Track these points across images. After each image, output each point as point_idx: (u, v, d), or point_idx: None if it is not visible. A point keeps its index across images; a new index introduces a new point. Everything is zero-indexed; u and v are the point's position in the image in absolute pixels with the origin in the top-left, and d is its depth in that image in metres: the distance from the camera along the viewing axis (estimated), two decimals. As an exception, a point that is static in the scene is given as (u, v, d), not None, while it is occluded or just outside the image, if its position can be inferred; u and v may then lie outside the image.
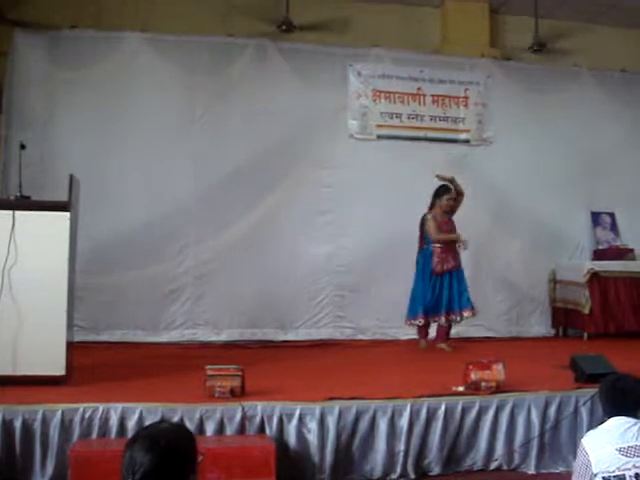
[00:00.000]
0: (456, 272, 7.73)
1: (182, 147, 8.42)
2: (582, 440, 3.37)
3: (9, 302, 5.10)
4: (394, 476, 4.82)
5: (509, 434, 5.04)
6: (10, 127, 8.12)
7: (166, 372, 6.03)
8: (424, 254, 7.79)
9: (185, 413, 4.60)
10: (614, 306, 8.72)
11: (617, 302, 8.74)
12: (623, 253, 9.20)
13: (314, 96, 8.79)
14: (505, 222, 9.19)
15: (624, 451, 3.19)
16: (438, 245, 7.70)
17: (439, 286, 7.66)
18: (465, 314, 7.69)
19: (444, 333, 7.79)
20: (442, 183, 7.84)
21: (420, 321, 7.73)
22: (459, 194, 7.85)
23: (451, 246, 7.75)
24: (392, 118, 9.13)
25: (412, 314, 7.78)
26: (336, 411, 4.75)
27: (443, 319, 7.66)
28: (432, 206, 7.86)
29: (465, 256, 8.17)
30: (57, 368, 5.15)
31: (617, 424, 3.30)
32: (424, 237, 7.83)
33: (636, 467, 3.16)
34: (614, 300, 8.75)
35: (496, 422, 5.04)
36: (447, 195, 7.80)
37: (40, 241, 5.21)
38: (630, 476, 3.15)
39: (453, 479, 4.85)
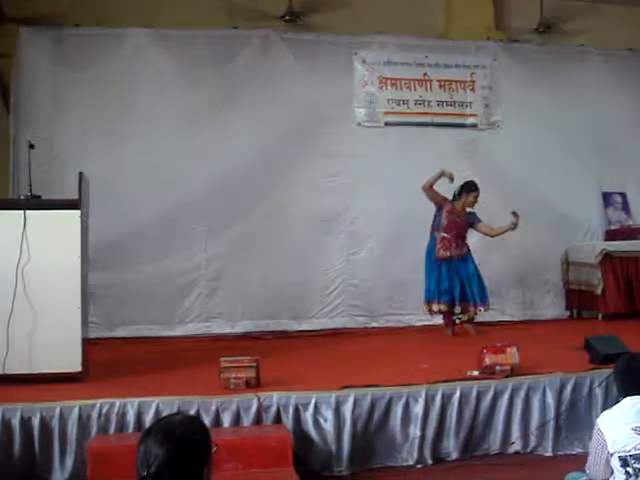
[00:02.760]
0: (462, 260, 7.71)
1: (190, 141, 8.41)
2: (597, 420, 3.38)
3: (23, 301, 5.14)
4: (411, 462, 4.85)
5: (525, 417, 5.06)
6: (18, 127, 8.16)
7: (181, 365, 6.06)
8: (431, 242, 7.79)
9: (201, 405, 4.63)
10: (627, 286, 8.69)
11: (630, 282, 8.71)
12: (635, 233, 9.16)
13: (320, 85, 8.78)
14: (515, 205, 9.02)
15: (639, 430, 3.19)
16: (443, 233, 7.68)
17: (446, 273, 7.64)
18: (482, 309, 7.68)
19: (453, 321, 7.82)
20: (470, 179, 7.81)
21: (424, 308, 7.77)
22: None
23: (457, 235, 7.73)
24: (399, 105, 9.10)
25: (425, 300, 7.81)
26: (351, 399, 4.77)
27: (459, 308, 7.64)
28: (454, 197, 7.80)
29: (477, 240, 8.18)
30: (73, 365, 5.19)
31: (632, 403, 3.30)
32: (433, 226, 7.82)
33: (652, 446, 3.16)
34: (627, 280, 8.72)
35: (511, 405, 5.05)
36: (474, 193, 7.76)
37: (52, 239, 5.24)
38: (646, 455, 3.15)
39: (470, 463, 4.86)
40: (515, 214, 7.65)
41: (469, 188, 7.77)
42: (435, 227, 7.77)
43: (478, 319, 8.09)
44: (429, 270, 7.75)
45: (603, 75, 9.67)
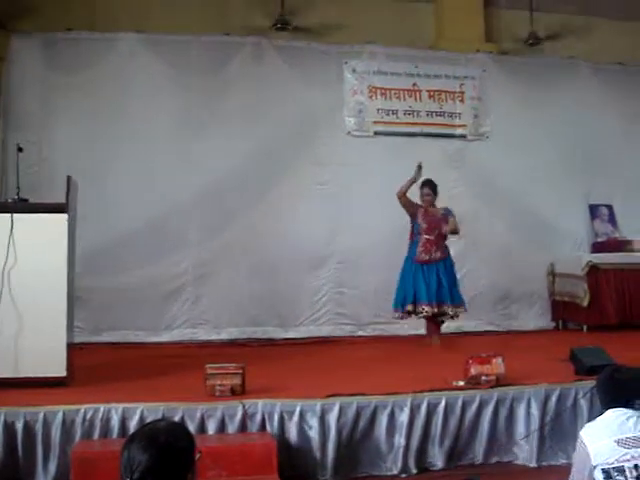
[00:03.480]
0: (442, 263, 7.73)
1: (180, 147, 8.43)
2: (580, 433, 3.37)
3: (9, 305, 5.11)
4: (396, 471, 4.83)
5: (509, 427, 5.06)
6: (7, 130, 8.14)
7: (167, 372, 6.04)
8: (412, 246, 7.83)
9: (186, 412, 4.61)
10: (613, 298, 8.73)
11: (616, 294, 8.74)
12: (622, 245, 9.21)
13: (310, 94, 8.82)
14: (503, 216, 9.20)
15: (622, 442, 3.19)
16: (426, 236, 7.72)
17: (423, 275, 7.65)
18: (459, 310, 7.69)
19: (437, 327, 7.80)
20: (425, 179, 7.82)
21: (403, 312, 7.73)
22: None
23: (437, 238, 7.77)
24: (388, 114, 9.14)
25: (394, 306, 7.80)
26: (336, 407, 4.76)
27: (435, 309, 7.63)
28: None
29: (463, 251, 8.26)
30: (58, 369, 5.16)
31: (615, 415, 3.30)
32: (413, 232, 7.87)
33: (635, 458, 3.15)
34: (613, 292, 8.75)
35: (496, 416, 5.06)
36: (423, 189, 7.80)
37: (39, 243, 5.22)
38: (629, 468, 3.15)
39: (454, 473, 4.85)
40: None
41: (420, 186, 7.81)
42: (415, 232, 7.82)
43: (464, 329, 8.16)
44: (410, 272, 7.75)
45: (592, 88, 9.74)
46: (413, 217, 7.81)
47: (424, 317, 7.71)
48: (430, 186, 7.80)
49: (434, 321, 7.76)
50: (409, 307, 7.64)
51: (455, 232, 7.85)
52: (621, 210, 9.70)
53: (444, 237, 7.83)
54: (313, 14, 9.21)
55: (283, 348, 7.90)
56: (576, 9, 9.91)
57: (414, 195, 7.81)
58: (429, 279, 7.63)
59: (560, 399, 5.13)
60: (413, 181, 7.68)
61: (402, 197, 7.72)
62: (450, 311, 7.65)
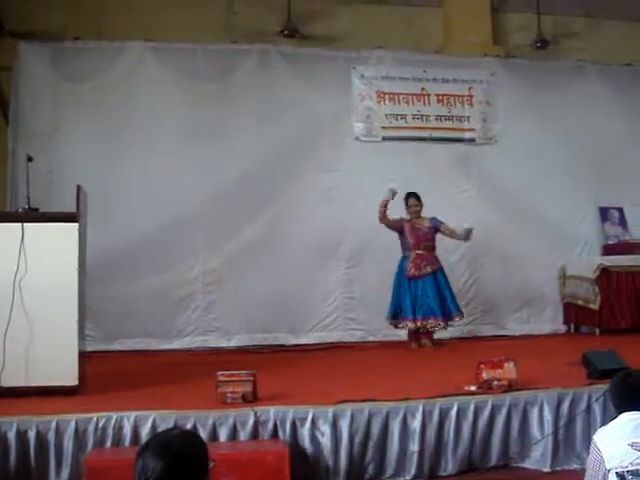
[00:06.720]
0: (432, 277, 7.75)
1: (188, 154, 8.45)
2: (594, 437, 3.35)
3: (20, 314, 5.12)
4: (409, 477, 4.81)
5: (522, 432, 5.03)
6: (17, 140, 8.18)
7: (178, 379, 6.04)
8: (402, 260, 7.91)
9: (198, 420, 4.60)
10: (625, 301, 8.68)
11: (628, 297, 8.69)
12: (633, 248, 9.16)
13: (318, 100, 8.83)
14: (513, 220, 9.17)
15: (637, 446, 3.17)
16: (417, 251, 7.74)
17: (410, 292, 7.71)
18: (450, 322, 7.73)
19: (426, 335, 7.87)
20: (409, 191, 7.88)
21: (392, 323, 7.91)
22: None
23: (428, 248, 7.80)
24: (397, 119, 9.14)
25: (390, 317, 7.94)
26: (348, 414, 4.75)
27: (419, 324, 7.69)
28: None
29: (473, 255, 8.22)
30: (70, 378, 5.17)
31: (628, 419, 3.28)
32: (403, 246, 7.97)
33: (649, 461, 3.15)
34: (625, 295, 8.71)
35: (509, 420, 5.03)
36: (410, 200, 7.91)
37: (50, 252, 5.23)
38: (644, 471, 3.14)
39: (467, 479, 4.83)
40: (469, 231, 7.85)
41: (405, 198, 7.92)
42: (404, 248, 7.90)
43: (475, 333, 8.13)
44: (399, 286, 7.84)
45: (600, 89, 9.72)
46: (401, 230, 7.87)
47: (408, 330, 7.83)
48: (415, 196, 7.88)
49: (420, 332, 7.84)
50: (393, 322, 7.89)
51: (456, 236, 7.90)
52: (631, 212, 9.65)
53: (434, 248, 7.85)
54: (320, 20, 9.24)
55: (294, 354, 7.90)
56: (583, 11, 9.91)
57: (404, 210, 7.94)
58: (415, 295, 7.72)
59: (573, 403, 5.09)
60: (386, 204, 7.76)
61: (383, 220, 7.83)
62: (436, 326, 7.69)
